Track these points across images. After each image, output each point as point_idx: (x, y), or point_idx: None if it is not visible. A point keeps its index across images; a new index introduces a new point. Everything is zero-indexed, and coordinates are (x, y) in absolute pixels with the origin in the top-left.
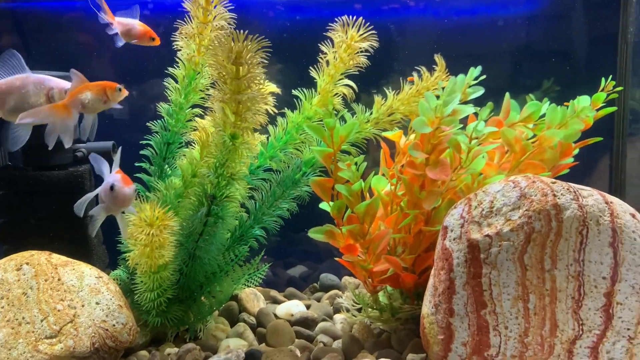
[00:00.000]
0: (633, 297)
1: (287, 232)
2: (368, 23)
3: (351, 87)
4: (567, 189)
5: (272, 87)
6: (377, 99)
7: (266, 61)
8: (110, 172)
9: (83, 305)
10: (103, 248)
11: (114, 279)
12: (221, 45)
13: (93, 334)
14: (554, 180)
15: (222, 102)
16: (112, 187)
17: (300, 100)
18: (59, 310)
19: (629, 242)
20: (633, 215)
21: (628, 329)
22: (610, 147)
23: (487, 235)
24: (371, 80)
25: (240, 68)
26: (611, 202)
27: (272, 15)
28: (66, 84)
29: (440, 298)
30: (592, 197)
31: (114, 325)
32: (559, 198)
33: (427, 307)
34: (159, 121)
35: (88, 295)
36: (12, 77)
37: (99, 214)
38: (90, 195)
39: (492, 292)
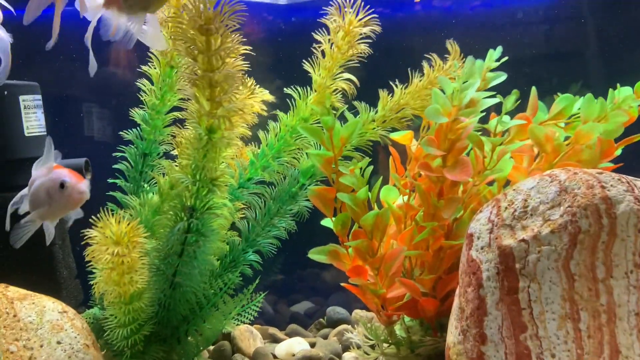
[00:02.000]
0: None
1: (291, 267)
2: (372, 9)
3: (352, 81)
4: (618, 180)
5: (267, 95)
6: (383, 94)
7: (240, 26)
8: (41, 165)
9: (42, 346)
10: (76, 282)
11: (86, 319)
12: (187, 10)
13: None
14: (600, 170)
15: (193, 84)
16: (62, 185)
17: (295, 101)
18: (12, 352)
19: None
20: None
21: None
22: None
23: (523, 240)
24: (377, 77)
25: (211, 38)
26: None
27: (267, 16)
28: None
29: (468, 322)
30: None
31: None
32: (608, 190)
33: (452, 335)
34: (133, 130)
35: (48, 333)
36: None
37: (34, 221)
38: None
39: (533, 310)
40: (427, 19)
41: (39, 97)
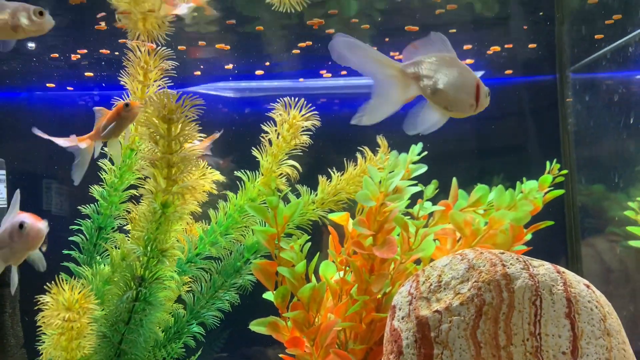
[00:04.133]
0: None
1: (233, 341)
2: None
3: (295, 167)
4: (517, 259)
5: (217, 176)
6: (322, 179)
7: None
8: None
9: None
10: (22, 352)
11: None
12: (152, 101)
13: None
14: (502, 251)
15: (152, 165)
16: (21, 225)
17: (244, 182)
18: None
19: (585, 313)
20: (587, 286)
21: None
22: (563, 245)
23: (437, 311)
24: (318, 166)
25: (172, 126)
26: (563, 272)
27: (221, 107)
28: None
29: None
30: (543, 266)
31: None
32: (508, 268)
33: None
34: (90, 205)
35: None
36: None
37: None
38: None
39: None
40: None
41: (4, 172)
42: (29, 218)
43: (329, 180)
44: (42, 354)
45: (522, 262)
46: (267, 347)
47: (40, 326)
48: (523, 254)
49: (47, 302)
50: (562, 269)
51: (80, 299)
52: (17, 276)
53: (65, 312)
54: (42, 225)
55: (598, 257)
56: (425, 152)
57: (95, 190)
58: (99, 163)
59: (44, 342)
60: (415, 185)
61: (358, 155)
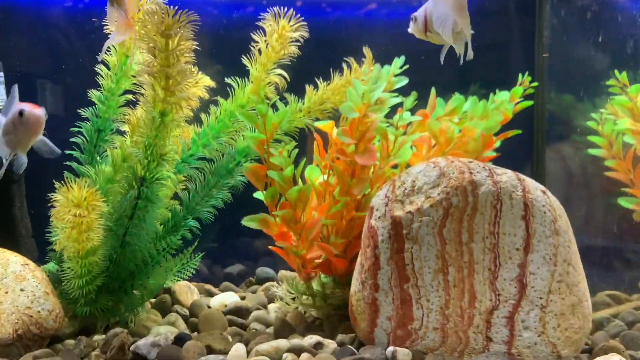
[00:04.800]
0: (544, 267)
1: (227, 234)
2: (302, 17)
3: (283, 76)
4: (483, 167)
5: (207, 80)
6: (309, 88)
7: (195, 35)
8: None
9: (7, 292)
10: (32, 241)
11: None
12: (151, 17)
13: (16, 321)
14: (471, 160)
15: (151, 75)
16: (21, 113)
17: (234, 89)
18: None
19: (539, 216)
20: (544, 192)
21: (540, 298)
22: (530, 149)
23: (409, 212)
24: (306, 73)
25: (169, 41)
26: (523, 179)
27: (210, 11)
28: None
29: (366, 275)
30: (506, 174)
31: (39, 311)
32: (475, 175)
33: (354, 286)
34: (89, 108)
35: (12, 282)
36: None
37: (4, 154)
38: None
39: (414, 266)
40: (352, 24)
41: (1, 74)
42: (27, 106)
43: (316, 89)
44: (51, 243)
45: (488, 170)
46: (254, 239)
47: (48, 219)
48: (492, 159)
49: (59, 199)
50: (522, 176)
51: (88, 196)
52: (25, 159)
53: (76, 208)
54: (40, 112)
55: (562, 162)
56: (407, 66)
57: (94, 94)
58: (96, 68)
59: (50, 232)
60: (396, 97)
61: (344, 65)
